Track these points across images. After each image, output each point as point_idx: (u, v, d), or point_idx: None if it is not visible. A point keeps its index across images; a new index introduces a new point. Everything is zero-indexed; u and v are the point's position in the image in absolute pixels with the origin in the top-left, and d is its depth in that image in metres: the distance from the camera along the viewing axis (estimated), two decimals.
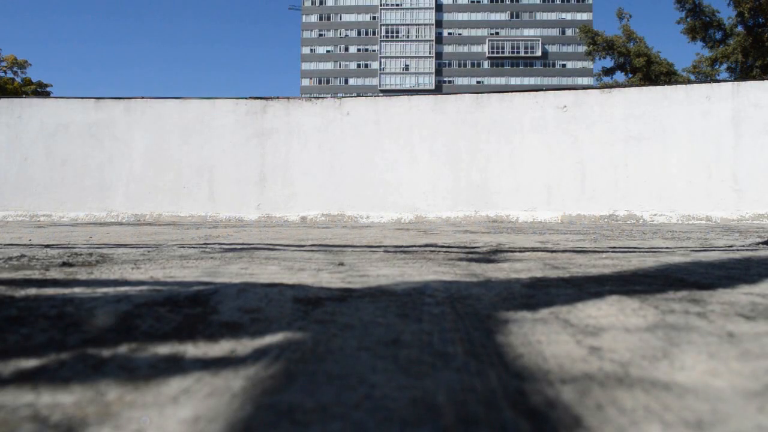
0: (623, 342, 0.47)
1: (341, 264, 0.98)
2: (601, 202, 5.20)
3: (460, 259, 1.16)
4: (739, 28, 19.22)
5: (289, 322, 0.54)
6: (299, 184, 5.71)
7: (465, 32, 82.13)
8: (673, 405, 0.32)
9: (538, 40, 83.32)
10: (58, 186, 5.81)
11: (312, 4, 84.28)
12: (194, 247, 1.45)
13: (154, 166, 5.81)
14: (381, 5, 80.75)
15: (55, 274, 0.86)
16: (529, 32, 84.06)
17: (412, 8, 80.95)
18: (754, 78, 14.67)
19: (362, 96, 5.97)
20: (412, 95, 6.05)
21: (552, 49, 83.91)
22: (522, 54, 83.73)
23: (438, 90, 78.19)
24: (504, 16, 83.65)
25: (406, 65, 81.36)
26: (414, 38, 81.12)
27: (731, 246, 1.55)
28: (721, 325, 0.52)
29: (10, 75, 31.86)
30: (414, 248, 1.51)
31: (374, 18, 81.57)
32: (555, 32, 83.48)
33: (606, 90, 5.47)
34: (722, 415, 0.31)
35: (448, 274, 0.89)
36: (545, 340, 0.47)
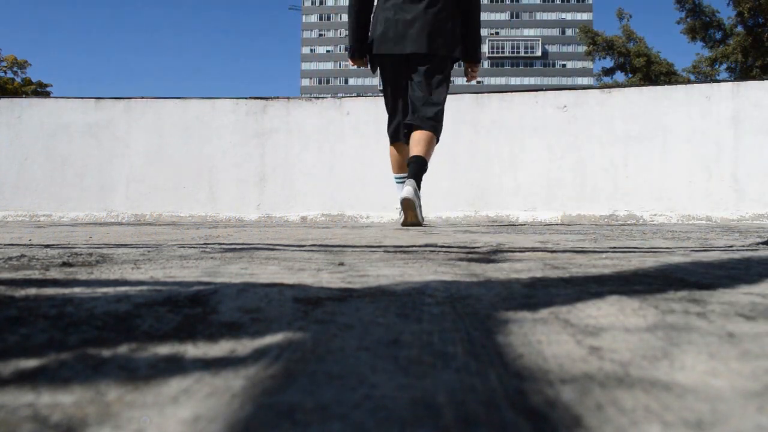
0: (623, 342, 0.47)
1: (341, 264, 0.98)
2: (601, 202, 5.20)
3: (460, 259, 1.17)
4: (739, 28, 19.24)
5: (289, 322, 0.54)
6: (299, 184, 5.71)
7: None
8: (673, 405, 0.32)
9: (538, 40, 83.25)
10: (58, 186, 5.81)
11: (312, 4, 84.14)
12: (194, 247, 1.44)
13: (154, 166, 5.81)
14: None
15: (55, 274, 0.86)
16: (529, 32, 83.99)
17: None
18: (754, 78, 14.67)
19: (362, 96, 5.96)
20: None
21: (552, 49, 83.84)
22: (522, 54, 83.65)
23: None
24: (504, 16, 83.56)
25: None
26: None
27: (731, 246, 1.56)
28: (721, 325, 0.52)
29: (10, 75, 31.87)
30: (414, 248, 1.51)
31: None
32: (555, 32, 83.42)
33: (606, 90, 5.46)
34: (722, 415, 0.31)
35: (448, 274, 0.89)
36: (545, 340, 0.47)
